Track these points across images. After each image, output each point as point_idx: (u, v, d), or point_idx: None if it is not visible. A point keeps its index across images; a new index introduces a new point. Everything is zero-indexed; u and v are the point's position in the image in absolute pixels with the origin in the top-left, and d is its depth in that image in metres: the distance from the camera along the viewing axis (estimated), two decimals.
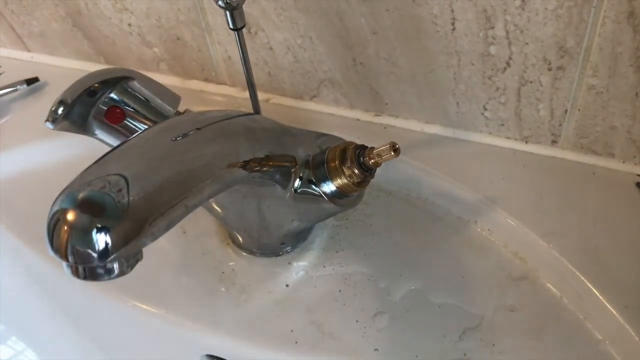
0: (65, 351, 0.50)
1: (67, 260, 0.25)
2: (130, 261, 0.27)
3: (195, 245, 0.44)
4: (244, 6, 0.36)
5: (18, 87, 0.57)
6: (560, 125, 0.44)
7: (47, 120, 0.36)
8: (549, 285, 0.39)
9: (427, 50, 0.43)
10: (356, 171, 0.36)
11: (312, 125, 0.49)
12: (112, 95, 0.37)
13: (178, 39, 0.53)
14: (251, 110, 0.42)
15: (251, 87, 0.40)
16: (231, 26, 0.37)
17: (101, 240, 0.25)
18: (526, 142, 0.46)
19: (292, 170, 0.36)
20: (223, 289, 0.42)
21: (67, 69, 0.60)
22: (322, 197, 0.36)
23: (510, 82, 0.43)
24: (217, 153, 0.30)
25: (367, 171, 0.36)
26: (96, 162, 0.27)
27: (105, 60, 0.59)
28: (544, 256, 0.40)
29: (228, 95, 0.54)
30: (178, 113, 0.39)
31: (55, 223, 0.25)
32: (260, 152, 0.33)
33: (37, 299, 0.49)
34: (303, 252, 0.43)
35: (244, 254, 0.43)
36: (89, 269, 0.26)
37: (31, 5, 0.57)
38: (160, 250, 0.44)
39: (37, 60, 0.62)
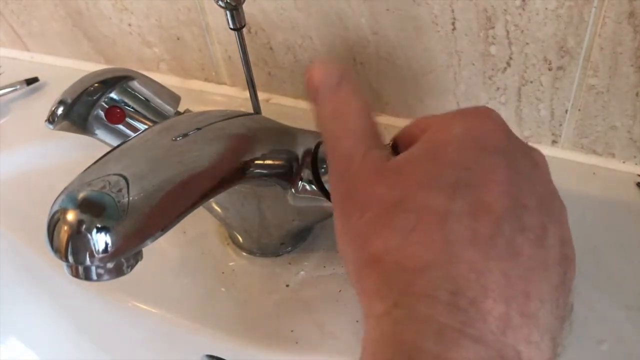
0: (65, 351, 0.50)
1: (67, 260, 0.25)
2: (130, 261, 0.27)
3: (195, 245, 0.44)
4: (244, 6, 0.36)
5: (18, 87, 0.57)
6: (560, 125, 0.44)
7: (47, 120, 0.36)
8: None
9: (428, 50, 0.43)
10: None
11: (312, 125, 0.49)
12: (112, 95, 0.37)
13: (178, 39, 0.53)
14: (251, 110, 0.42)
15: (251, 87, 0.40)
16: (231, 26, 0.37)
17: (101, 240, 0.25)
18: (527, 142, 0.46)
19: (293, 170, 0.36)
20: (223, 289, 0.42)
21: (67, 69, 0.60)
22: (323, 197, 0.36)
23: (511, 82, 0.43)
24: (217, 153, 0.30)
25: None
26: (96, 162, 0.27)
27: (105, 60, 0.59)
28: None
29: (228, 95, 0.54)
30: (178, 113, 0.39)
31: (55, 223, 0.25)
32: (260, 152, 0.33)
33: (37, 299, 0.49)
34: (303, 252, 0.43)
35: (244, 254, 0.43)
36: (88, 269, 0.26)
37: (31, 5, 0.57)
38: (160, 250, 0.44)
39: (37, 60, 0.62)
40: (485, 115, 0.25)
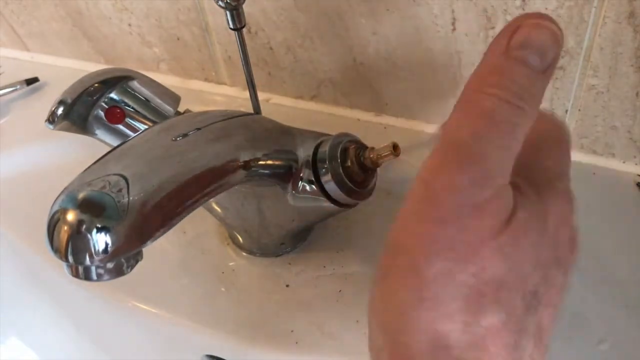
0: (65, 351, 0.50)
1: (67, 260, 0.25)
2: (130, 261, 0.27)
3: (195, 245, 0.44)
4: (244, 6, 0.36)
5: (18, 87, 0.57)
6: None
7: (47, 120, 0.36)
8: None
9: (427, 50, 0.43)
10: (356, 171, 0.36)
11: (312, 125, 0.49)
12: (112, 95, 0.37)
13: (178, 39, 0.53)
14: (251, 110, 0.42)
15: (251, 87, 0.40)
16: (231, 26, 0.37)
17: (101, 240, 0.25)
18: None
19: (293, 170, 0.36)
20: (223, 289, 0.42)
21: (67, 69, 0.60)
22: (322, 197, 0.36)
23: None
24: (217, 153, 0.30)
25: (368, 171, 0.36)
26: (96, 162, 0.27)
27: (105, 60, 0.59)
28: None
29: (228, 95, 0.54)
30: (178, 113, 0.39)
31: (55, 223, 0.25)
32: (260, 152, 0.33)
33: (37, 299, 0.49)
34: (303, 252, 0.43)
35: (244, 254, 0.43)
36: (88, 269, 0.26)
37: (31, 5, 0.57)
38: (160, 250, 0.44)
39: (37, 60, 0.62)
40: (570, 213, 0.22)
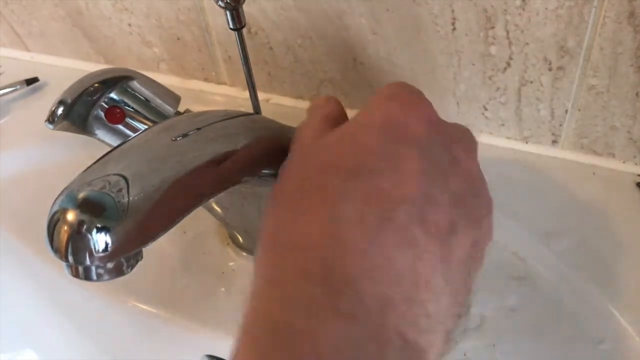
0: (65, 351, 0.50)
1: (67, 261, 0.25)
2: (130, 261, 0.27)
3: (195, 245, 0.44)
4: (244, 6, 0.36)
5: (18, 87, 0.57)
6: (560, 125, 0.44)
7: (47, 120, 0.36)
8: (549, 285, 0.39)
9: (427, 50, 0.43)
10: None
11: None
12: (112, 95, 0.37)
13: (178, 39, 0.53)
14: (251, 110, 0.42)
15: (251, 87, 0.40)
16: (231, 26, 0.37)
17: (101, 240, 0.25)
18: (526, 142, 0.46)
19: None
20: (223, 289, 0.42)
21: (67, 69, 0.60)
22: None
23: (511, 82, 0.43)
24: (217, 153, 0.30)
25: None
26: (96, 162, 0.27)
27: (105, 60, 0.59)
28: (544, 256, 0.40)
29: (228, 95, 0.54)
30: (178, 113, 0.39)
31: (55, 223, 0.25)
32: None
33: (37, 299, 0.49)
34: None
35: (244, 254, 0.43)
36: (88, 269, 0.26)
37: (31, 5, 0.57)
38: (160, 250, 0.44)
39: (37, 60, 0.62)
40: (411, 103, 0.25)
